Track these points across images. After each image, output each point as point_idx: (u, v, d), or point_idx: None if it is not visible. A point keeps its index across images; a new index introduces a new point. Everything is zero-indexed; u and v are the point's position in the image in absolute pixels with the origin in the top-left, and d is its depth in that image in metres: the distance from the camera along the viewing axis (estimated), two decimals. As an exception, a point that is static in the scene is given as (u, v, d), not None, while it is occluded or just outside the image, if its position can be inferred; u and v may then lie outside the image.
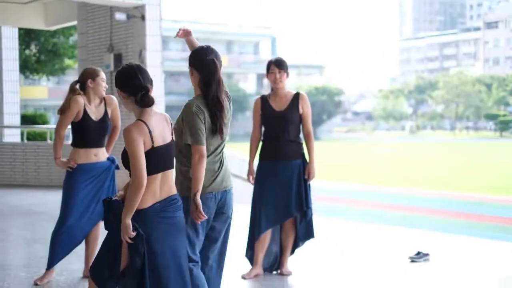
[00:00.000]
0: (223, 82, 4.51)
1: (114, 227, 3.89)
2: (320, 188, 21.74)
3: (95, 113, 6.05)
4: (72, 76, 52.02)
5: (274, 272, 6.60)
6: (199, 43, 4.73)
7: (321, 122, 77.25)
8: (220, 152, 4.52)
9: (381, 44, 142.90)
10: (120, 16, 12.90)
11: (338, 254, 7.65)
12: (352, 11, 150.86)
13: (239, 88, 77.05)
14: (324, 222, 10.07)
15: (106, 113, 6.14)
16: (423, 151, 50.59)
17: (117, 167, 6.22)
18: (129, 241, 3.80)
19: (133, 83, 3.87)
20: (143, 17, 12.86)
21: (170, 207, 3.95)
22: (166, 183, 3.94)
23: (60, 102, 6.12)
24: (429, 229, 11.79)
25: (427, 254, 7.23)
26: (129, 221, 3.78)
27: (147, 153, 3.79)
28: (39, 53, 27.14)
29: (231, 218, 4.68)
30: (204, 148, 4.30)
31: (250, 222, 6.47)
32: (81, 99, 6.01)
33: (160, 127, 3.90)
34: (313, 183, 6.49)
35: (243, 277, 6.40)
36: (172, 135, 4.00)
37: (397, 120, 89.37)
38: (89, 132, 6.02)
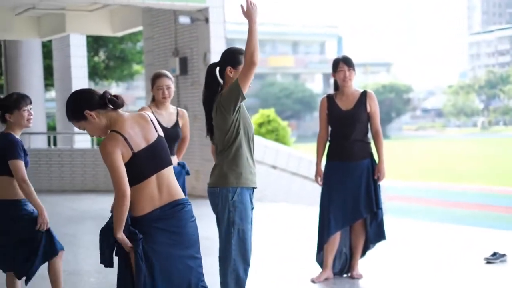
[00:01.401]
0: (210, 84, 4.63)
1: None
2: (390, 187, 21.42)
3: (166, 120, 5.99)
4: (140, 81, 52.78)
5: (345, 275, 6.45)
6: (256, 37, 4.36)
7: (390, 120, 76.34)
8: (218, 153, 4.62)
9: (449, 39, 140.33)
10: (184, 19, 12.94)
11: (410, 256, 7.44)
12: (419, 6, 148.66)
13: (305, 88, 76.86)
14: (395, 222, 9.86)
15: (177, 122, 6.09)
16: (496, 147, 49.38)
17: (188, 173, 6.18)
18: (131, 250, 3.63)
19: (94, 96, 3.66)
20: (206, 20, 12.87)
21: (174, 215, 3.68)
22: (166, 185, 3.68)
23: (130, 108, 6.12)
24: (505, 228, 11.39)
25: (504, 255, 6.95)
26: (121, 235, 3.59)
27: (130, 162, 3.58)
28: (107, 59, 27.57)
29: (219, 218, 4.58)
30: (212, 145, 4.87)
31: (318, 225, 6.34)
32: (148, 107, 5.99)
33: (138, 130, 3.65)
34: (382, 183, 6.32)
35: (313, 281, 6.28)
36: (157, 131, 3.74)
37: (468, 116, 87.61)
38: None
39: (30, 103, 4.93)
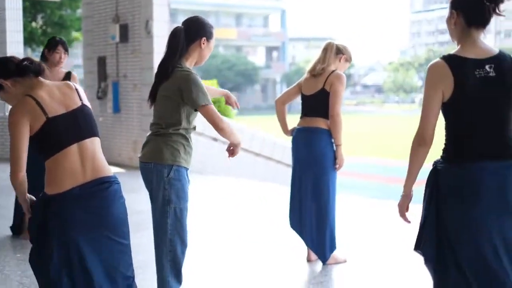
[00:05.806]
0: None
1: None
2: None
3: None
4: (79, 49, 51.61)
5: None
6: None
7: (331, 95, 76.80)
8: (155, 124, 4.34)
9: (391, 17, 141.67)
10: (125, -15, 12.52)
11: (350, 233, 7.33)
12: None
13: (247, 61, 76.62)
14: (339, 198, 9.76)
15: None
16: (434, 125, 50.09)
17: None
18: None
19: (10, 64, 3.44)
20: (149, -14, 12.48)
21: (97, 194, 3.36)
22: (90, 160, 3.37)
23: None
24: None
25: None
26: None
27: (45, 128, 3.31)
28: (45, 25, 26.85)
29: (153, 195, 4.26)
30: None
31: None
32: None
33: (58, 96, 3.40)
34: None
35: None
36: (81, 100, 3.46)
37: (407, 93, 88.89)
38: None
39: None
